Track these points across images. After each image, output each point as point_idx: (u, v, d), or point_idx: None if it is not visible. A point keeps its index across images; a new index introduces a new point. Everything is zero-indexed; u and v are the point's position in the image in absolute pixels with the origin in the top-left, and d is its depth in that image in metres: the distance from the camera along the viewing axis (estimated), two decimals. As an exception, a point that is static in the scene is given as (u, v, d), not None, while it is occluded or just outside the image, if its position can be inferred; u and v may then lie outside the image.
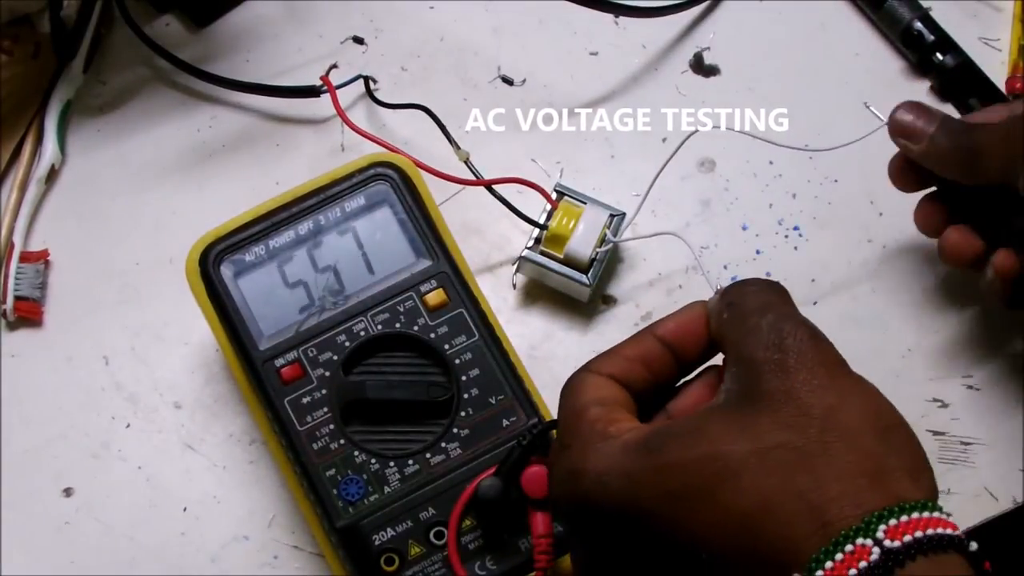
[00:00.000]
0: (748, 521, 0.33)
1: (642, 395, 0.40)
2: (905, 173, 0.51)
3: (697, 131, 0.52)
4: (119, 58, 0.62)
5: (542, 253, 0.54)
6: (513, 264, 0.56)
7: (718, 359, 0.41)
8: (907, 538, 0.32)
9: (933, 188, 0.52)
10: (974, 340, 0.55)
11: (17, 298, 0.56)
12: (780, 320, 0.37)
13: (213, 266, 0.48)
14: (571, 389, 0.40)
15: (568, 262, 0.54)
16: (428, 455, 0.46)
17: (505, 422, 0.47)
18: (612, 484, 0.36)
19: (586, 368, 0.40)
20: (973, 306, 0.56)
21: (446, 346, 0.47)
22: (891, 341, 0.56)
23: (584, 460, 0.37)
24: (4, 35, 0.59)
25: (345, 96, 0.59)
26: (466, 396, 0.47)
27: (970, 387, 0.55)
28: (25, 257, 0.57)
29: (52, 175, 0.59)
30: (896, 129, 0.50)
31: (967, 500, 0.53)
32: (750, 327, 0.37)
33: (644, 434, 0.36)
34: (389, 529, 0.45)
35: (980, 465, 0.54)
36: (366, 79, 0.59)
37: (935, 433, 0.54)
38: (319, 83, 0.58)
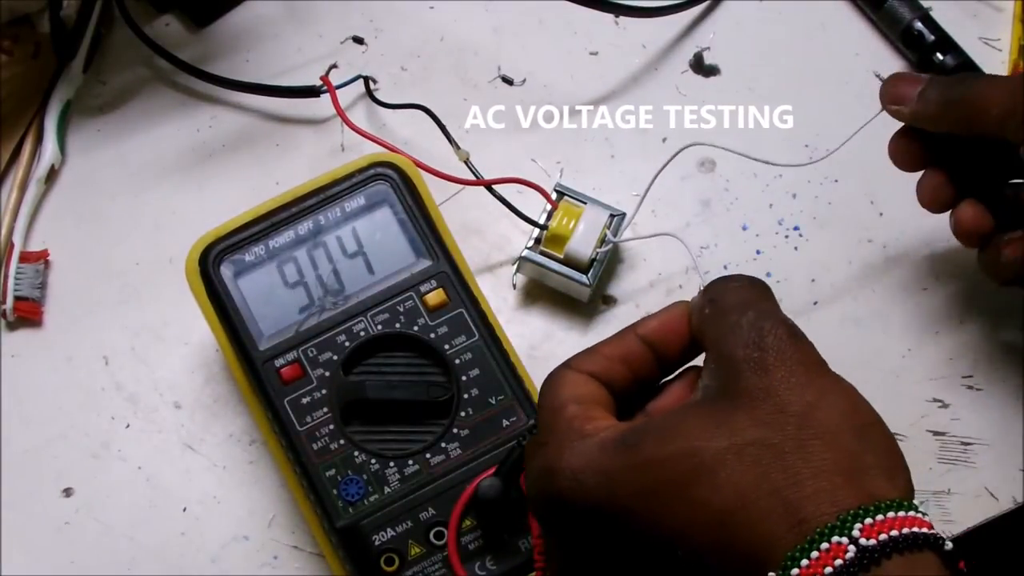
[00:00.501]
0: (724, 518, 0.33)
1: (622, 394, 0.40)
2: (904, 149, 0.50)
3: (686, 147, 0.51)
4: (119, 58, 0.62)
5: (542, 253, 0.54)
6: (513, 264, 0.56)
7: (700, 359, 0.41)
8: (883, 536, 0.32)
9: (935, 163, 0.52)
10: (974, 340, 0.55)
11: (17, 298, 0.56)
12: (760, 318, 0.37)
13: (213, 266, 0.48)
14: (550, 386, 0.40)
15: (568, 262, 0.54)
16: (428, 455, 0.46)
17: (505, 422, 0.47)
18: (588, 482, 0.35)
19: (566, 365, 0.40)
20: (973, 306, 0.56)
21: (446, 346, 0.47)
22: (891, 341, 0.56)
23: (560, 458, 0.36)
24: (4, 35, 0.59)
25: (345, 96, 0.59)
26: (466, 396, 0.47)
27: (970, 387, 0.55)
28: (25, 257, 0.57)
29: (52, 175, 0.59)
30: (886, 97, 0.50)
31: (967, 500, 0.53)
32: (730, 324, 0.37)
33: (620, 432, 0.36)
34: (389, 529, 0.45)
35: (980, 465, 0.54)
36: (366, 79, 0.59)
37: (935, 433, 0.54)
38: (319, 83, 0.58)
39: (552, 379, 0.40)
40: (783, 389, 0.35)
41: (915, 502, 0.34)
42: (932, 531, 0.33)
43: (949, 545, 0.33)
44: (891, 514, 0.32)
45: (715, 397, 0.36)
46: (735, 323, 0.37)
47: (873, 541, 0.32)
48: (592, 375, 0.39)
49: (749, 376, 0.35)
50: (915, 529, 0.32)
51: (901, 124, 0.50)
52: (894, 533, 0.32)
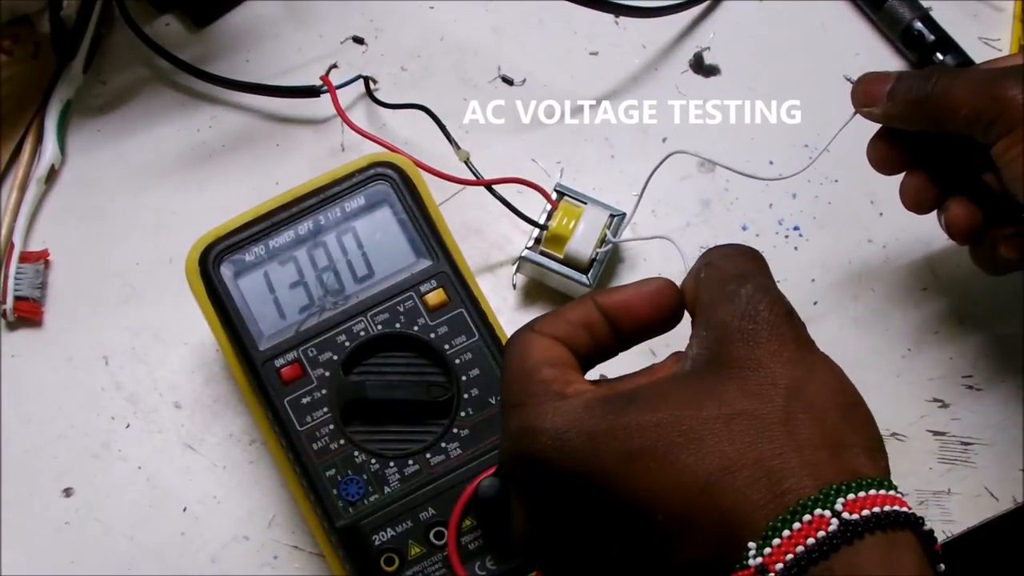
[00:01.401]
0: (706, 485, 0.33)
1: (584, 361, 0.39)
2: (883, 153, 0.50)
3: (671, 155, 0.51)
4: (119, 58, 0.62)
5: (542, 253, 0.54)
6: (513, 264, 0.56)
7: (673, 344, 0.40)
8: (865, 512, 0.32)
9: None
10: (974, 339, 0.55)
11: (17, 298, 0.56)
12: (758, 291, 0.37)
13: (213, 266, 0.48)
14: (518, 349, 0.39)
15: (568, 262, 0.54)
16: (428, 455, 0.46)
17: (505, 422, 0.47)
18: (572, 442, 0.35)
19: (530, 328, 0.39)
20: (973, 305, 0.56)
21: (446, 346, 0.47)
22: (891, 341, 0.56)
23: (541, 418, 0.36)
24: (4, 35, 0.59)
25: (345, 96, 0.59)
26: (466, 396, 0.47)
27: (970, 387, 0.55)
28: (25, 257, 0.56)
29: (52, 175, 0.59)
30: (857, 98, 0.49)
31: (967, 500, 0.53)
32: (727, 293, 0.37)
33: (605, 395, 0.36)
34: (389, 529, 0.45)
35: (980, 465, 0.54)
36: (366, 79, 0.59)
37: (935, 433, 0.54)
38: (319, 83, 0.58)
39: (518, 342, 0.39)
40: (774, 362, 0.35)
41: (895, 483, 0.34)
42: (912, 511, 0.33)
43: (928, 526, 0.33)
44: (873, 491, 0.32)
45: (704, 367, 0.36)
46: (732, 292, 0.37)
47: (856, 516, 0.32)
48: (557, 339, 0.39)
49: (740, 347, 0.35)
50: (896, 508, 0.32)
51: (878, 126, 0.50)
52: (876, 510, 0.32)
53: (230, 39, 0.62)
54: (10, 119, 0.59)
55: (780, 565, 0.31)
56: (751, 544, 0.32)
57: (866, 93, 0.49)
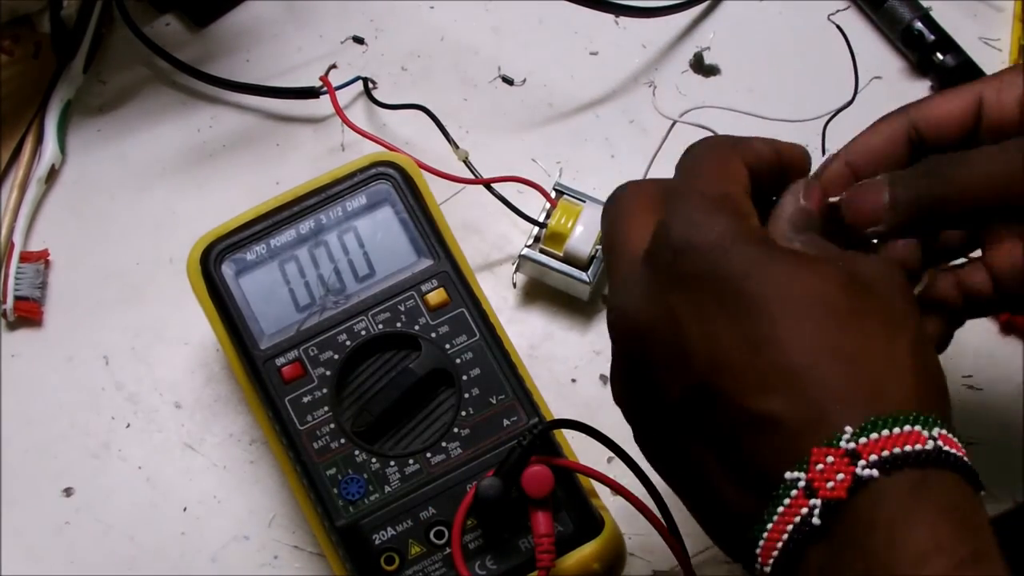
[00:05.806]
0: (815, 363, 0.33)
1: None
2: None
3: (682, 115, 0.51)
4: (119, 58, 0.62)
5: (542, 251, 0.54)
6: (513, 263, 0.56)
7: None
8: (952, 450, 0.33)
9: None
10: (974, 340, 0.55)
11: (17, 298, 0.56)
12: None
13: (214, 265, 0.48)
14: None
15: (568, 260, 0.54)
16: (428, 454, 0.46)
17: (506, 422, 0.47)
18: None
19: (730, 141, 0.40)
20: (973, 306, 0.56)
21: (447, 345, 0.47)
22: (891, 341, 0.55)
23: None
24: (4, 35, 0.59)
25: (345, 95, 0.59)
26: (467, 396, 0.47)
27: (970, 387, 0.55)
28: (25, 257, 0.56)
29: (52, 175, 0.59)
30: (857, 219, 0.41)
31: (967, 499, 0.53)
32: None
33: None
34: (389, 528, 0.45)
35: (980, 465, 0.53)
36: (365, 80, 0.59)
37: (935, 433, 0.54)
38: (319, 84, 0.58)
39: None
40: None
41: None
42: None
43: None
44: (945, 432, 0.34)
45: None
46: None
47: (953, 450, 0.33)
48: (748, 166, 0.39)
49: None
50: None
51: None
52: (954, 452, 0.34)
53: (230, 39, 0.62)
54: (10, 119, 0.59)
55: (875, 457, 0.31)
56: (847, 428, 0.32)
57: (863, 212, 0.40)
